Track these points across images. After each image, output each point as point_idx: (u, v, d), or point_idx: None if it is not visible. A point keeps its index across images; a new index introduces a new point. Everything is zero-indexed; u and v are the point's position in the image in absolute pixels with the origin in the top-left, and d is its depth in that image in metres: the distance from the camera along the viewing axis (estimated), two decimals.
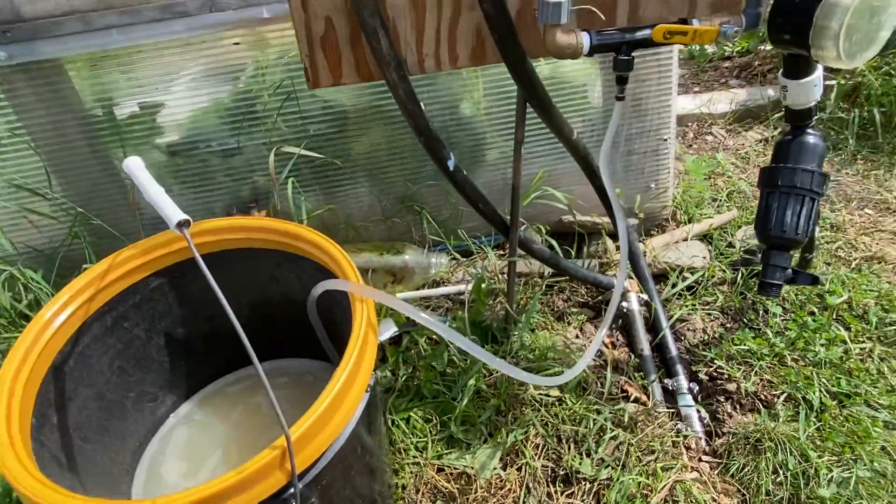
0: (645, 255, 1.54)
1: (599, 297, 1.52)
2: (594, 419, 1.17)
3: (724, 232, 1.67)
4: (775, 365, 1.29)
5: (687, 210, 1.74)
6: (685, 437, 1.19)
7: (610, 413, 1.19)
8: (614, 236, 1.55)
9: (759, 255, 1.04)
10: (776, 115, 2.18)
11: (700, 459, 1.17)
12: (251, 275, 1.02)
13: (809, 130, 1.00)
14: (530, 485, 1.11)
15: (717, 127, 2.23)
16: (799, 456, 1.11)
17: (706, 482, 1.12)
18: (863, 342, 1.33)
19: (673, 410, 1.24)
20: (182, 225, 0.64)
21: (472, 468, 1.14)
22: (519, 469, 1.14)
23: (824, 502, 1.05)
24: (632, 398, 1.25)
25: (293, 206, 1.35)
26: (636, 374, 1.32)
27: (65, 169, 1.37)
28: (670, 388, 1.29)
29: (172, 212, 0.64)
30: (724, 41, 0.87)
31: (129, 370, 0.99)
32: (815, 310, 1.40)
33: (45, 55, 1.19)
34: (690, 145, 2.18)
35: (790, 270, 1.02)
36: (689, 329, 1.42)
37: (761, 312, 1.42)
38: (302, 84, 1.34)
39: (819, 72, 0.94)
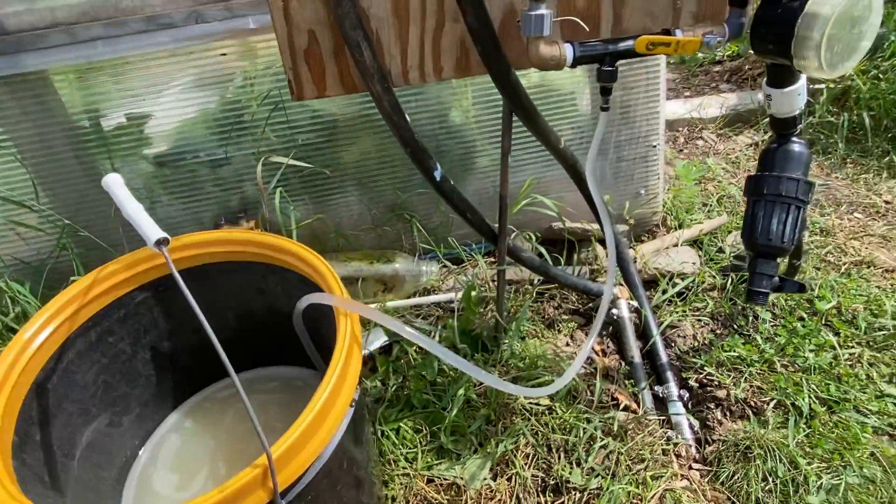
0: (635, 262, 1.54)
1: (590, 305, 1.52)
2: (584, 428, 1.17)
3: (715, 237, 1.68)
4: (765, 371, 1.30)
5: (677, 216, 1.75)
6: (675, 444, 1.19)
7: (600, 422, 1.19)
8: (604, 243, 1.55)
9: (748, 263, 1.04)
10: (766, 120, 2.18)
11: (690, 467, 1.17)
12: (237, 287, 1.02)
13: (794, 139, 1.01)
14: (520, 495, 1.11)
15: (708, 131, 2.24)
16: (788, 463, 1.11)
17: (696, 490, 1.12)
18: (852, 347, 1.33)
19: (663, 418, 1.24)
20: (160, 243, 0.63)
21: (462, 479, 1.13)
22: (509, 479, 1.14)
23: None
24: (622, 406, 1.25)
25: (281, 216, 1.35)
26: (627, 382, 1.32)
27: (52, 181, 1.36)
28: (661, 395, 1.29)
29: (151, 230, 0.64)
30: (707, 51, 0.88)
31: (115, 385, 0.98)
32: (805, 315, 1.40)
33: (29, 67, 1.19)
34: (681, 150, 2.19)
35: (777, 278, 1.02)
36: (679, 335, 1.42)
37: (751, 318, 1.42)
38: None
39: (803, 81, 0.95)
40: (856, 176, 1.94)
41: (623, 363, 1.37)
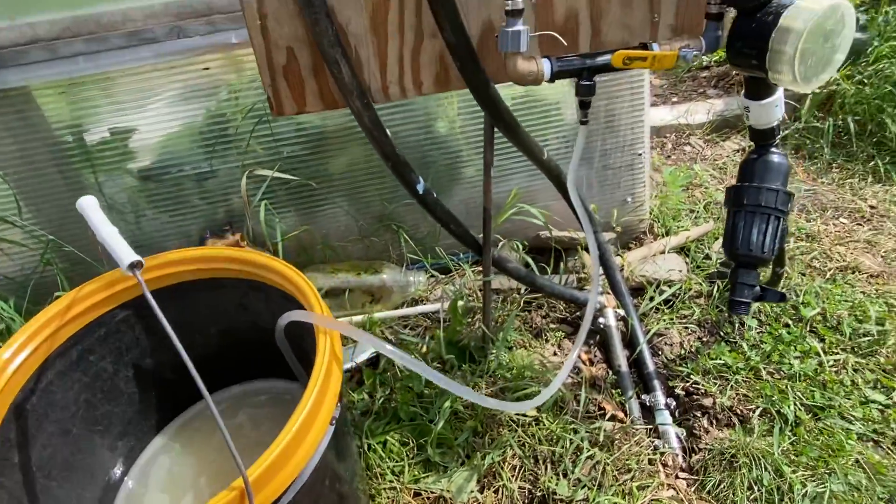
0: (622, 270, 1.54)
1: (578, 313, 1.52)
2: (571, 439, 1.17)
3: (702, 244, 1.68)
4: (751, 379, 1.30)
5: (664, 223, 1.75)
6: (662, 454, 1.19)
7: (587, 432, 1.19)
8: None
9: (729, 273, 1.05)
10: None
11: (677, 476, 1.17)
12: (219, 304, 1.01)
13: (773, 149, 1.01)
14: None
15: (695, 137, 2.25)
16: (773, 471, 1.11)
17: (682, 500, 1.12)
18: (836, 353, 1.34)
19: (650, 427, 1.24)
20: (134, 266, 0.63)
21: (449, 492, 1.13)
22: (496, 491, 1.14)
23: None
24: (608, 416, 1.25)
25: (266, 229, 1.34)
26: (614, 391, 1.32)
27: (35, 196, 1.36)
28: (648, 403, 1.30)
29: (124, 253, 0.64)
30: (684, 65, 0.88)
31: (97, 403, 0.97)
32: (790, 322, 1.41)
33: (11, 83, 1.19)
34: (669, 156, 2.20)
35: (759, 288, 1.02)
36: (666, 343, 1.43)
37: (737, 325, 1.42)
38: None
39: (780, 92, 0.95)
40: (841, 181, 1.95)
41: (610, 372, 1.37)
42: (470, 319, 1.45)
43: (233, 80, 1.31)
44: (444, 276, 1.63)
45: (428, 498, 1.14)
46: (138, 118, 1.31)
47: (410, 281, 1.56)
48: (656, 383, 1.32)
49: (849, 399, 1.25)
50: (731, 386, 1.29)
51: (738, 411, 1.25)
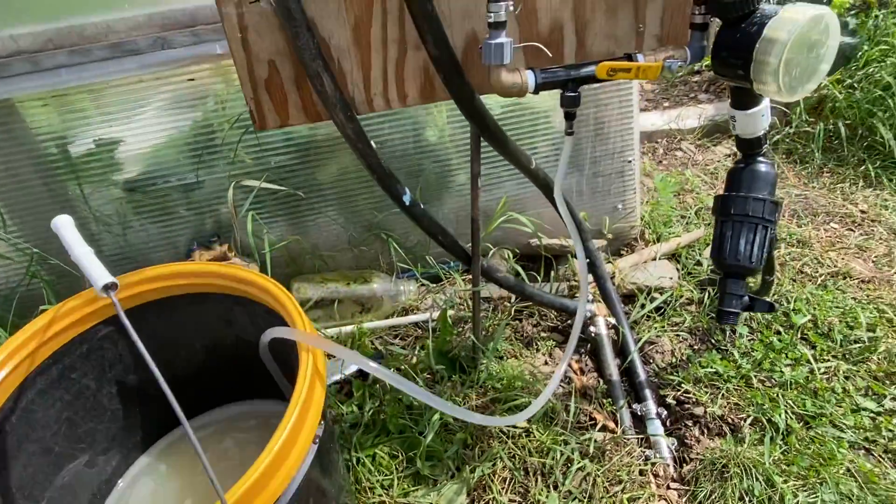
0: (613, 277, 1.54)
1: (569, 322, 1.51)
2: (561, 450, 1.16)
3: (693, 250, 1.68)
4: (742, 387, 1.29)
5: (655, 229, 1.75)
6: (653, 464, 1.18)
7: (577, 443, 1.18)
8: None
9: (718, 283, 1.04)
10: None
11: (668, 487, 1.17)
12: (203, 319, 1.00)
13: (760, 158, 1.01)
14: None
15: (687, 142, 2.25)
16: (765, 481, 1.11)
17: None
18: (828, 361, 1.33)
19: (642, 437, 1.24)
20: (108, 288, 0.62)
21: None
22: None
23: None
24: (599, 426, 1.24)
25: (252, 241, 1.33)
26: (605, 401, 1.31)
27: (19, 209, 1.34)
28: (639, 413, 1.29)
29: (98, 274, 0.63)
30: (669, 75, 0.88)
31: (79, 421, 0.96)
32: (781, 329, 1.41)
33: None
34: (660, 161, 2.20)
35: (747, 298, 1.02)
36: (657, 352, 1.42)
37: (728, 333, 1.42)
38: None
39: (766, 102, 0.95)
40: (832, 185, 1.95)
41: (601, 381, 1.36)
42: (461, 329, 1.44)
43: (219, 89, 1.30)
44: (434, 285, 1.62)
45: None
46: (124, 129, 1.30)
47: (401, 290, 1.55)
48: (647, 392, 1.31)
49: (840, 407, 1.24)
50: (723, 394, 1.28)
51: (730, 420, 1.24)
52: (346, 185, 1.50)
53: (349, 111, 0.90)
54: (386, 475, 1.17)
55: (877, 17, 2.17)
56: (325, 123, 1.38)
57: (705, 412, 1.26)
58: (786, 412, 1.22)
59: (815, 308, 1.44)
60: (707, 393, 1.29)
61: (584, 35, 0.95)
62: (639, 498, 1.11)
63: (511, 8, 0.81)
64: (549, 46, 0.92)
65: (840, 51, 2.15)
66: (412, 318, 1.51)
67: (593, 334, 1.42)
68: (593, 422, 1.26)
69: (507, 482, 1.15)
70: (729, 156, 2.15)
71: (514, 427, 1.22)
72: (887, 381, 1.28)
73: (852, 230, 1.76)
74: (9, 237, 1.34)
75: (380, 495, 1.14)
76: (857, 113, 2.05)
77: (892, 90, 1.97)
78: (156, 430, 1.13)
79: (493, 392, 1.29)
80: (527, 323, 1.51)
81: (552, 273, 1.59)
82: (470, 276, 1.64)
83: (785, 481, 1.11)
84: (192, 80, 1.25)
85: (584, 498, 1.11)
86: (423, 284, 1.61)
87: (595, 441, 1.19)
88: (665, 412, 1.29)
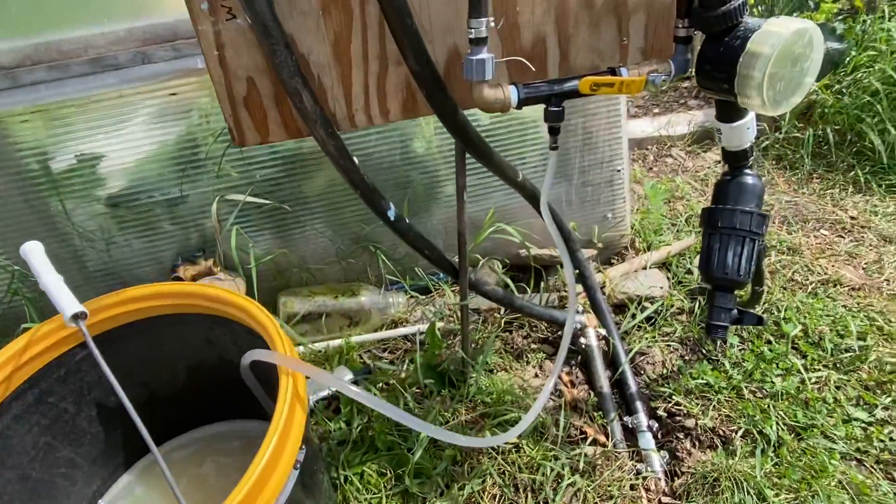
0: (603, 287, 1.53)
1: (559, 333, 1.50)
2: (551, 466, 1.15)
3: (683, 258, 1.67)
4: (733, 398, 1.29)
5: (645, 237, 1.74)
6: (644, 478, 1.17)
7: (567, 459, 1.17)
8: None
9: (706, 296, 1.03)
10: None
11: (660, 502, 1.15)
12: (185, 339, 0.99)
13: (747, 171, 1.00)
14: None
15: (677, 149, 2.25)
16: (756, 495, 1.10)
17: None
18: (819, 370, 1.32)
19: (633, 450, 1.22)
20: (77, 317, 0.61)
21: None
22: None
23: None
24: (590, 440, 1.23)
25: (239, 253, 1.32)
26: (596, 413, 1.30)
27: (0, 225, 1.32)
28: (630, 425, 1.28)
29: (67, 303, 0.61)
30: (653, 89, 0.87)
31: (58, 446, 0.94)
32: (772, 338, 1.40)
33: None
34: (651, 168, 2.19)
35: (736, 311, 1.01)
36: (648, 363, 1.41)
37: (719, 343, 1.41)
38: None
39: (751, 115, 0.94)
40: (822, 191, 1.95)
41: (592, 394, 1.35)
42: (450, 341, 1.43)
43: (203, 103, 1.29)
44: (424, 297, 1.60)
45: None
46: (106, 144, 1.28)
47: (389, 302, 1.54)
48: (639, 405, 1.30)
49: (831, 417, 1.23)
50: (714, 406, 1.27)
51: (721, 432, 1.23)
52: (333, 197, 1.48)
53: (330, 128, 0.89)
54: (374, 493, 1.15)
55: (864, 21, 2.17)
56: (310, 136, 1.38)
57: (696, 424, 1.25)
58: (777, 423, 1.22)
59: (805, 317, 1.44)
60: (698, 405, 1.28)
61: (567, 48, 0.94)
62: None
63: (492, 24, 0.80)
64: (533, 60, 0.91)
65: (828, 56, 2.16)
66: (401, 330, 1.50)
67: (584, 346, 1.41)
68: (584, 436, 1.25)
69: (496, 499, 1.13)
70: (719, 162, 2.15)
71: (504, 442, 1.20)
72: (878, 391, 1.28)
73: (842, 237, 1.76)
74: None
75: None
76: (846, 118, 2.05)
77: (880, 96, 1.97)
78: (139, 451, 1.11)
79: (483, 407, 1.27)
80: (517, 335, 1.50)
81: (542, 283, 1.58)
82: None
83: (776, 494, 1.10)
84: (175, 94, 1.23)
85: None
86: (412, 296, 1.59)
87: (586, 455, 1.18)
88: (656, 425, 1.28)
